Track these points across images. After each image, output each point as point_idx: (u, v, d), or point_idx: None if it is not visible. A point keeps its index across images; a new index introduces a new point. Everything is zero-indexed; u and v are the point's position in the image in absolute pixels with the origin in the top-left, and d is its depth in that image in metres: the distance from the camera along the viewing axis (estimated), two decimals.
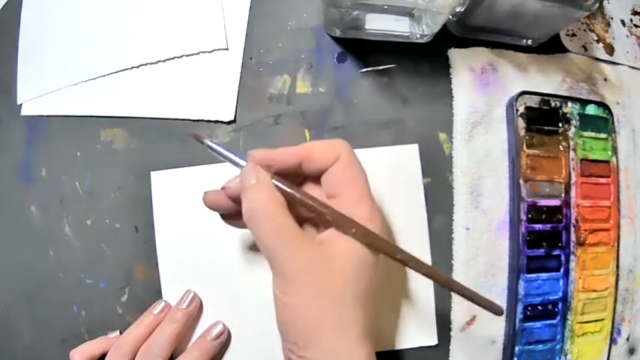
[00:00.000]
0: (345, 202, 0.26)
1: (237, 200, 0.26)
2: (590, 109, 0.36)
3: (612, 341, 0.35)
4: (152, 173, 0.34)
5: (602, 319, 0.35)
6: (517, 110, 0.34)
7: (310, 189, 0.28)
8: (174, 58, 0.35)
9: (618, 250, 0.36)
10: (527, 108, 0.35)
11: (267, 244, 0.24)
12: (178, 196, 0.34)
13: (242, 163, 0.27)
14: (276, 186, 0.26)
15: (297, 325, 0.24)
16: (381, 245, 0.26)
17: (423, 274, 0.26)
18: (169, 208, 0.34)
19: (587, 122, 0.36)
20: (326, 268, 0.24)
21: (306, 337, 0.24)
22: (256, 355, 0.34)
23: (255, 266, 0.34)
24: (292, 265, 0.24)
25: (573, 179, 0.35)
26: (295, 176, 0.27)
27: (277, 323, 0.26)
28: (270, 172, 0.26)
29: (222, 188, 0.28)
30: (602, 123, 0.36)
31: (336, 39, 0.36)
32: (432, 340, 0.34)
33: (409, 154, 0.35)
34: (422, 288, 0.34)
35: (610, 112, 0.37)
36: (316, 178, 0.27)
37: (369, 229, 0.25)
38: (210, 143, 0.27)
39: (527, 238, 0.34)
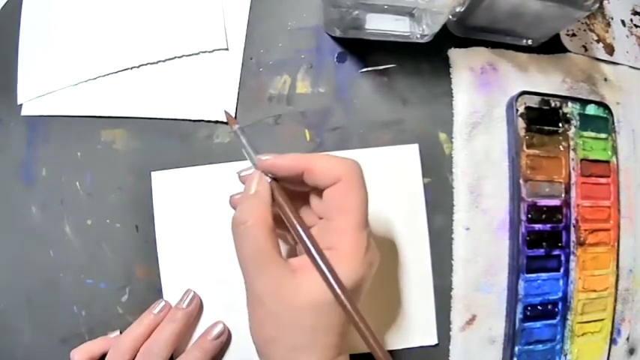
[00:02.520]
0: (334, 228, 0.25)
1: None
2: (590, 109, 0.36)
3: (612, 341, 0.35)
4: (153, 173, 0.34)
5: (602, 319, 0.35)
6: (517, 110, 0.34)
7: (314, 199, 0.27)
8: (175, 58, 0.35)
9: (618, 250, 0.36)
10: (527, 108, 0.35)
11: (243, 261, 0.25)
12: (179, 196, 0.34)
13: (252, 165, 0.27)
14: (273, 195, 0.26)
15: (269, 351, 0.25)
16: (338, 299, 0.24)
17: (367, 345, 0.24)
18: (170, 208, 0.34)
19: (587, 122, 0.36)
20: (295, 300, 0.24)
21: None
22: (256, 355, 0.33)
23: None
24: (261, 290, 0.24)
25: (573, 179, 0.35)
26: (304, 183, 0.27)
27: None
28: (272, 178, 0.26)
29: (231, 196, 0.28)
30: (602, 123, 0.36)
31: (336, 39, 0.36)
32: (432, 340, 0.34)
33: (409, 154, 0.35)
34: (422, 288, 0.34)
35: (610, 112, 0.37)
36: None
37: (334, 276, 0.24)
38: (238, 130, 0.28)
39: (527, 238, 0.34)
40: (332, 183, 0.25)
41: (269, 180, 0.26)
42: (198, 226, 0.34)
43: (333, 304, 0.24)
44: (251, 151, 0.27)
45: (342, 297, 0.23)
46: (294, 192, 0.27)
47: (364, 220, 0.25)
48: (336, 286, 0.23)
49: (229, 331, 0.33)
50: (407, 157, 0.35)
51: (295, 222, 0.25)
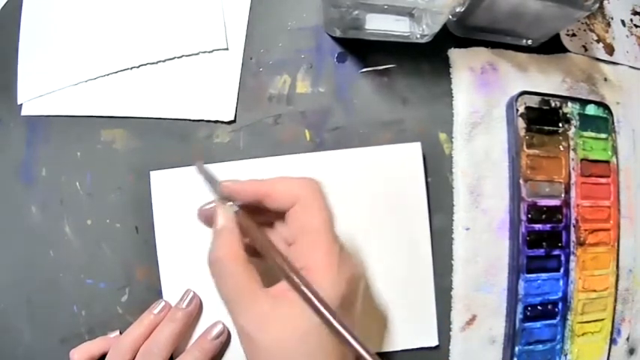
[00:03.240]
0: (300, 250, 0.25)
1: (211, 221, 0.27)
2: (590, 109, 0.36)
3: (612, 341, 0.35)
4: (152, 173, 0.34)
5: (602, 319, 0.35)
6: (517, 110, 0.34)
7: (279, 226, 0.27)
8: (175, 58, 0.35)
9: (618, 250, 0.36)
10: (528, 108, 0.35)
11: (224, 298, 0.25)
12: (178, 195, 0.34)
13: (214, 193, 0.27)
14: (241, 225, 0.26)
15: None
16: (322, 318, 0.23)
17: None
18: (169, 208, 0.34)
19: (587, 122, 0.36)
20: (282, 333, 0.23)
21: None
22: None
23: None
24: (246, 326, 0.24)
25: (573, 179, 0.35)
26: (268, 211, 0.26)
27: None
28: (237, 206, 0.26)
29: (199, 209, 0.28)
30: (602, 123, 0.36)
31: (336, 39, 0.36)
32: (433, 341, 0.34)
33: (412, 152, 0.34)
34: (422, 288, 0.34)
35: (610, 112, 0.37)
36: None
37: (313, 292, 0.23)
38: (197, 165, 0.28)
39: (527, 238, 0.33)
40: (291, 205, 0.25)
41: (234, 210, 0.26)
42: (198, 226, 0.34)
43: (321, 328, 0.22)
44: (212, 181, 0.27)
45: (325, 313, 0.22)
46: (262, 223, 0.27)
47: (330, 237, 0.25)
48: (316, 302, 0.22)
49: (229, 331, 0.33)
50: (409, 155, 0.35)
51: (266, 246, 0.25)
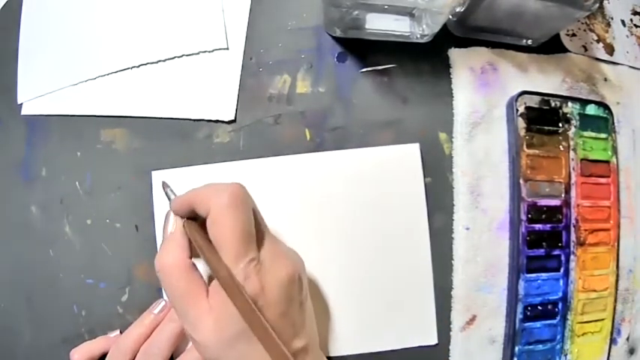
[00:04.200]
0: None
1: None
2: (590, 109, 0.36)
3: (612, 341, 0.35)
4: (153, 173, 0.34)
5: (602, 319, 0.35)
6: (517, 110, 0.34)
7: None
8: (175, 57, 0.35)
9: (618, 250, 0.36)
10: (528, 108, 0.35)
11: (171, 299, 0.27)
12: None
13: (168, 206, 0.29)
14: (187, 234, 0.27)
15: None
16: (244, 315, 0.24)
17: None
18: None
19: (587, 122, 0.36)
20: (209, 332, 0.24)
21: None
22: None
23: None
24: (186, 325, 0.26)
25: (573, 179, 0.35)
26: None
27: None
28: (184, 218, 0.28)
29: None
30: (602, 123, 0.36)
31: (336, 39, 0.36)
32: (432, 340, 0.34)
33: (410, 153, 0.35)
34: (422, 288, 0.34)
35: (610, 112, 0.37)
36: None
37: (237, 296, 0.24)
38: (163, 184, 0.32)
39: (527, 238, 0.34)
40: (206, 215, 0.26)
41: (183, 220, 0.28)
42: None
43: (249, 333, 0.24)
44: (169, 197, 0.30)
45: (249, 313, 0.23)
46: None
47: (234, 249, 0.25)
48: (239, 303, 0.24)
49: None
50: (408, 156, 0.35)
51: (203, 250, 0.26)
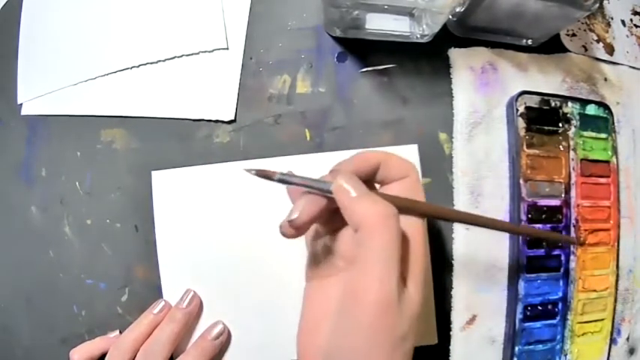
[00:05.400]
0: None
1: (302, 228, 0.24)
2: (590, 109, 0.36)
3: (612, 341, 0.35)
4: (153, 173, 0.34)
5: (602, 319, 0.35)
6: (517, 110, 0.34)
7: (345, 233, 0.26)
8: (175, 57, 0.35)
9: (618, 250, 0.36)
10: (528, 108, 0.35)
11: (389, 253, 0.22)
12: (179, 195, 0.34)
13: (327, 183, 0.23)
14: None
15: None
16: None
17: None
18: (170, 208, 0.34)
19: (587, 122, 0.36)
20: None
21: None
22: (256, 354, 0.34)
23: (256, 266, 0.34)
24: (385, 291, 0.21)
25: (573, 179, 0.35)
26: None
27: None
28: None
29: (289, 221, 0.24)
30: (602, 123, 0.36)
31: (336, 39, 0.36)
32: (432, 340, 0.34)
33: (409, 154, 0.35)
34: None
35: (610, 112, 0.37)
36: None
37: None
38: (282, 177, 0.24)
39: (527, 238, 0.33)
40: (401, 177, 0.26)
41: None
42: (198, 226, 0.34)
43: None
44: (316, 181, 0.24)
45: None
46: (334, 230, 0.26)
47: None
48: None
49: (229, 331, 0.33)
50: (407, 157, 0.34)
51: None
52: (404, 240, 0.23)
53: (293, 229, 0.23)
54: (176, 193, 0.34)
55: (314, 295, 0.26)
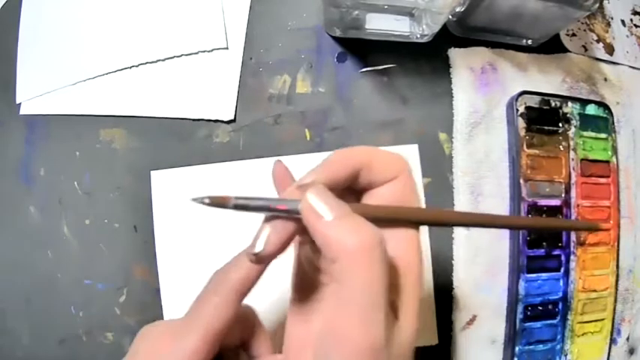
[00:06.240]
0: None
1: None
2: (591, 109, 0.36)
3: (612, 341, 0.35)
4: (152, 173, 0.34)
5: (602, 319, 0.35)
6: (517, 110, 0.34)
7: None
8: (174, 57, 0.35)
9: (618, 250, 0.36)
10: (528, 108, 0.35)
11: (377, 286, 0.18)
12: (178, 195, 0.34)
13: (295, 202, 0.19)
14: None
15: None
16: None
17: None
18: (169, 208, 0.34)
19: (588, 122, 0.36)
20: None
21: None
22: None
23: None
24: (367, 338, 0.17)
25: (573, 179, 0.35)
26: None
27: None
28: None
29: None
30: (602, 123, 0.36)
31: (336, 39, 0.36)
32: (433, 340, 0.34)
33: (409, 154, 0.34)
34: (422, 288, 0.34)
35: (610, 112, 0.37)
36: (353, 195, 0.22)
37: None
38: (237, 202, 0.21)
39: (528, 238, 0.33)
40: (390, 179, 0.21)
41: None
42: (198, 226, 0.34)
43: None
44: (274, 201, 0.21)
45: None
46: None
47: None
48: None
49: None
50: (407, 157, 0.34)
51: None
52: (395, 262, 0.20)
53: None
54: (175, 193, 0.34)
55: (295, 325, 0.21)
